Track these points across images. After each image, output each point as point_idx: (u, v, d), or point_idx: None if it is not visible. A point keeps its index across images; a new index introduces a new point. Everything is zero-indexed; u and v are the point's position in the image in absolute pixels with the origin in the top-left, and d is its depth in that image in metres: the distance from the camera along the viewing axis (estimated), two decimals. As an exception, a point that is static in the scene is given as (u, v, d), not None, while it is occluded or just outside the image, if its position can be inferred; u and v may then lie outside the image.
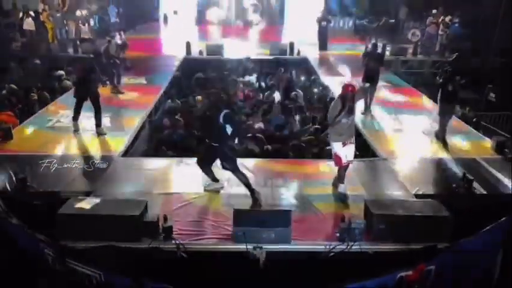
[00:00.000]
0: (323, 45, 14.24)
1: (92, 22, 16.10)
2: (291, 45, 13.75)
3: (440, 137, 7.30)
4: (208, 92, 5.87)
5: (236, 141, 5.73)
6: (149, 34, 17.63)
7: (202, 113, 5.59)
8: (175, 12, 20.39)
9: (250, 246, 4.31)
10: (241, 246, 4.32)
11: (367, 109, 8.57)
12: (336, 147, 5.49)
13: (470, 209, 5.20)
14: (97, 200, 4.64)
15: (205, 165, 5.51)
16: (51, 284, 4.54)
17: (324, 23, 14.09)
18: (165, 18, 20.22)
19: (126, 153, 6.70)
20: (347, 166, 5.58)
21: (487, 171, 6.16)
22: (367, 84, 8.35)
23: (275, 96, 10.20)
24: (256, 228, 4.41)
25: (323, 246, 4.43)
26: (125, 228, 4.39)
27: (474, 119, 8.59)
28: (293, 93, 10.24)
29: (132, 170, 6.22)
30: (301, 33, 16.16)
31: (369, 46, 9.34)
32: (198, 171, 5.64)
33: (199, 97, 9.25)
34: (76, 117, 7.33)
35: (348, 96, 5.32)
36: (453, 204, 5.10)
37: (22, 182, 5.32)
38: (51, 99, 9.45)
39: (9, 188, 5.34)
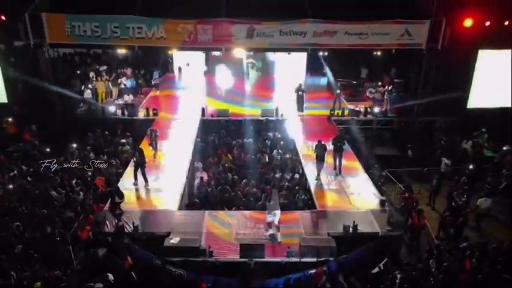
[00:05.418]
0: (300, 108, 19.82)
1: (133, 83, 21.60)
2: (277, 109, 19.29)
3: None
4: None
5: None
6: (170, 89, 22.86)
7: None
8: (188, 64, 25.53)
9: (247, 259, 9.92)
10: (243, 260, 9.93)
11: (318, 175, 13.97)
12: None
13: (355, 242, 10.76)
14: (178, 238, 10.23)
15: None
16: (159, 279, 10.00)
17: (300, 93, 19.68)
18: (179, 70, 25.11)
19: (180, 206, 12.22)
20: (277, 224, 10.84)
21: (370, 219, 11.68)
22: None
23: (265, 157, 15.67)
24: (249, 251, 9.99)
25: (280, 260, 10.06)
26: (192, 251, 9.99)
27: (382, 180, 14.16)
28: (278, 156, 15.73)
29: (187, 218, 11.71)
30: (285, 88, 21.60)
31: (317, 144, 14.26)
32: (217, 219, 11.36)
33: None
34: (136, 183, 12.79)
35: (268, 194, 11.01)
36: (346, 239, 10.72)
37: (136, 228, 10.87)
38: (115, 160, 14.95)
39: (129, 231, 10.87)
